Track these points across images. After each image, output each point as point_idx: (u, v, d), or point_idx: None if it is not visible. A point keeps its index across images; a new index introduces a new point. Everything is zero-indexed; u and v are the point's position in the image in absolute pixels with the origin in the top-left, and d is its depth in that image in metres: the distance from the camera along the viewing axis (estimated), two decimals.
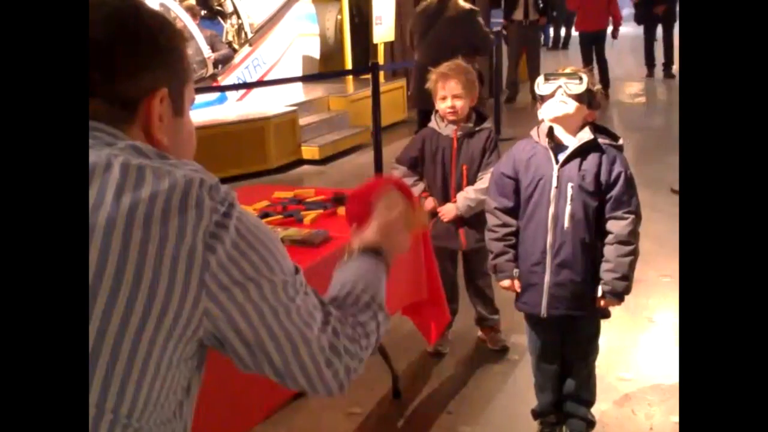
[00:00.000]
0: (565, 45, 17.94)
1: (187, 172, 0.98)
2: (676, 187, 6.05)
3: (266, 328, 1.03)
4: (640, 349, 3.66)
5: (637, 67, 14.71)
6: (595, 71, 11.09)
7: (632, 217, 2.61)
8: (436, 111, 3.55)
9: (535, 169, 2.67)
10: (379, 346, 3.20)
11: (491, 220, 2.81)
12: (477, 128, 3.48)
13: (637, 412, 3.11)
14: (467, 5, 6.76)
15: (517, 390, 3.28)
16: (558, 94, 2.59)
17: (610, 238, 2.62)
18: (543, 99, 2.64)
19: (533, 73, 10.30)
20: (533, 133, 2.72)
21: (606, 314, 2.80)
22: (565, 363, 2.86)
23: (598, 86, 2.67)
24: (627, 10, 26.09)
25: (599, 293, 2.67)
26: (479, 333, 3.77)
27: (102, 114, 1.03)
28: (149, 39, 1.07)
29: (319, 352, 1.09)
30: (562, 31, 18.31)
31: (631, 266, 2.64)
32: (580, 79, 2.58)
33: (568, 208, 2.62)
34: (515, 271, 2.75)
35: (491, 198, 2.81)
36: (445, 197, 3.49)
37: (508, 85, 10.47)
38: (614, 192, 2.60)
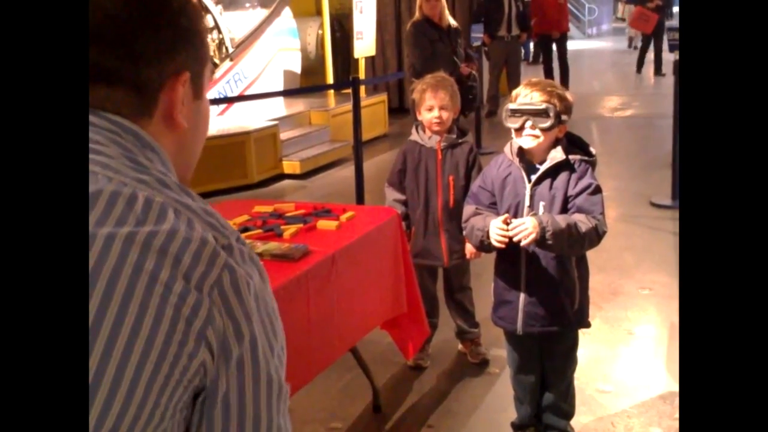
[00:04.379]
0: None
1: (206, 225, 0.95)
2: (656, 201, 6.10)
3: (255, 399, 0.97)
4: (620, 361, 3.68)
5: (615, 80, 14.84)
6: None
7: (593, 222, 2.54)
8: (417, 124, 3.56)
9: (510, 188, 2.68)
10: (359, 360, 3.21)
11: (470, 209, 2.76)
12: (460, 141, 3.51)
13: (616, 424, 3.12)
14: (413, 20, 6.90)
15: (498, 403, 3.28)
16: (527, 128, 2.58)
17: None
18: (512, 130, 2.63)
19: (514, 87, 10.38)
20: (507, 150, 2.72)
21: (584, 325, 2.81)
22: (544, 375, 2.87)
23: (565, 116, 2.60)
24: (606, 26, 26.41)
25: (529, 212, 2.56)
26: (459, 346, 3.77)
27: (124, 104, 1.00)
28: (173, 20, 1.03)
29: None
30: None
31: (566, 230, 2.48)
32: (546, 113, 2.54)
33: None
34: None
35: (469, 204, 2.80)
36: (426, 209, 3.50)
37: (489, 99, 10.53)
38: (577, 200, 2.59)
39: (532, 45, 18.02)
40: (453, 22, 7.07)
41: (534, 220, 2.50)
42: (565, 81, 11.45)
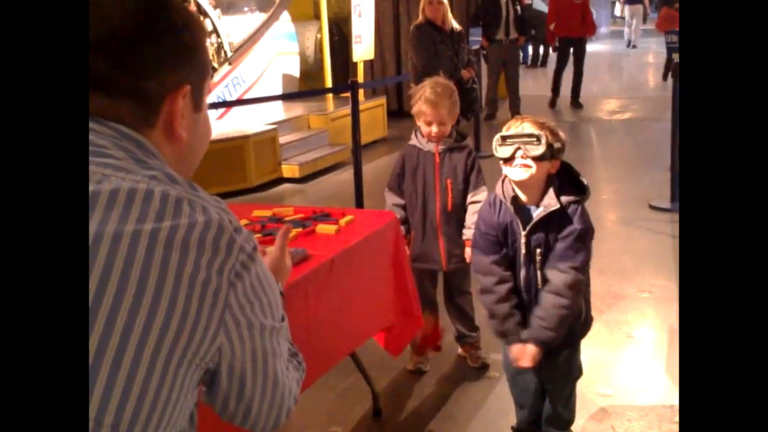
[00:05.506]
0: (543, 63, 18.06)
1: (219, 210, 1.03)
2: (655, 204, 6.10)
3: (253, 367, 1.08)
4: (620, 365, 3.67)
5: (614, 83, 14.85)
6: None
7: (573, 273, 2.54)
8: (417, 128, 3.55)
9: (510, 238, 2.65)
10: (359, 365, 3.20)
11: (486, 279, 2.67)
12: (458, 144, 3.50)
13: (616, 428, 3.11)
14: (416, 22, 6.94)
15: (498, 407, 3.28)
16: (518, 157, 2.52)
17: (548, 286, 2.57)
18: (503, 161, 2.58)
19: (512, 91, 10.38)
20: (499, 191, 2.67)
21: (587, 332, 2.80)
22: (546, 381, 2.84)
23: (558, 144, 2.57)
24: (603, 28, 26.42)
25: (524, 336, 2.60)
26: (459, 350, 3.77)
27: (126, 114, 1.04)
28: (175, 36, 1.07)
29: (286, 396, 1.16)
30: (540, 49, 18.46)
31: (562, 321, 2.56)
32: (538, 139, 2.50)
33: (539, 273, 2.61)
34: (523, 333, 2.61)
35: (483, 254, 2.70)
36: (424, 213, 3.50)
37: (488, 102, 10.53)
38: (561, 245, 2.56)
39: (530, 48, 17.99)
40: (456, 26, 7.09)
41: (532, 348, 2.58)
42: (577, 87, 11.30)
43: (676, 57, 6.30)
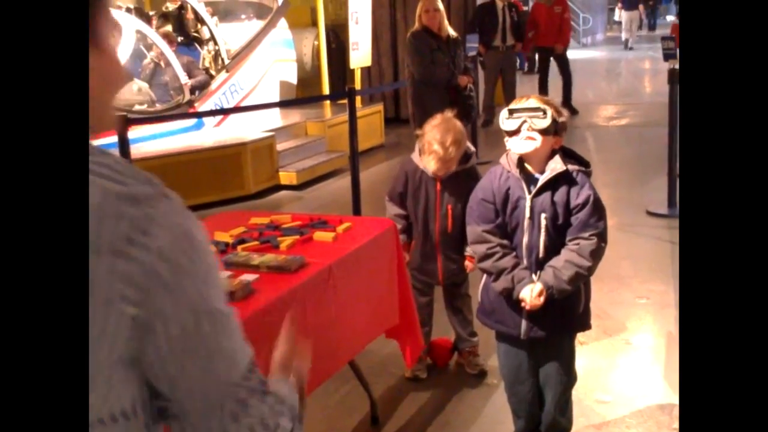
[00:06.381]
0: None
1: (111, 180, 0.92)
2: (652, 210, 6.10)
3: (184, 347, 0.95)
4: (618, 371, 3.67)
5: (610, 90, 14.86)
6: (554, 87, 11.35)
7: (597, 239, 2.60)
8: (419, 144, 3.48)
9: (511, 198, 2.67)
10: (357, 372, 3.19)
11: (482, 247, 2.71)
12: (462, 167, 3.45)
13: None
14: (413, 29, 6.95)
15: (496, 414, 3.27)
16: (523, 130, 2.57)
17: (573, 246, 2.60)
18: (508, 134, 2.62)
19: (509, 97, 10.38)
20: (503, 161, 2.71)
21: (587, 326, 2.80)
22: (542, 388, 2.84)
23: (563, 118, 2.64)
24: (600, 35, 26.52)
25: (535, 277, 2.64)
26: (457, 357, 3.76)
27: None
28: None
29: (228, 396, 0.99)
30: (537, 56, 18.47)
31: (575, 279, 2.60)
32: (544, 113, 2.57)
33: (542, 239, 2.62)
34: (534, 276, 2.65)
35: (476, 224, 2.74)
36: (425, 233, 3.50)
37: (485, 108, 10.53)
38: (581, 214, 2.60)
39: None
40: (453, 33, 7.09)
41: (540, 286, 2.60)
42: (567, 94, 11.31)
43: (671, 63, 6.29)
